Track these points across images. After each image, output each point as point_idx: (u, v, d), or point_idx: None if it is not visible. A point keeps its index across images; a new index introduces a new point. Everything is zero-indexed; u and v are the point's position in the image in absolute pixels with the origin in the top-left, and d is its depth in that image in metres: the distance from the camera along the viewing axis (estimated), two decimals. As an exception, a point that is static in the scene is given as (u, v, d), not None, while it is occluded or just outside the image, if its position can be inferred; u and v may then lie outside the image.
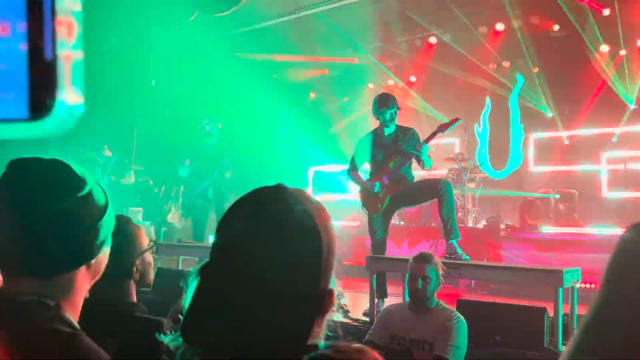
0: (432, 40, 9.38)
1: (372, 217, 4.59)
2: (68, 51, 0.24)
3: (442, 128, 4.52)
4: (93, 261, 0.99)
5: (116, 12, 7.30)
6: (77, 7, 0.23)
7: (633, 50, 8.08)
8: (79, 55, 0.24)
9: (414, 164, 4.63)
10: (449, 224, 4.22)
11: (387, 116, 4.47)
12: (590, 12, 7.79)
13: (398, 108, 4.54)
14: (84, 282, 0.99)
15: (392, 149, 4.51)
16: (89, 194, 0.96)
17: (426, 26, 9.29)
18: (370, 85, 10.65)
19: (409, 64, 9.86)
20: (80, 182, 0.95)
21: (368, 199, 4.58)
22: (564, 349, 0.56)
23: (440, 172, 7.81)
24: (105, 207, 1.00)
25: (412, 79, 10.13)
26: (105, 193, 1.01)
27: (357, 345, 0.71)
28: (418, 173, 4.96)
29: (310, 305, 0.76)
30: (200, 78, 10.90)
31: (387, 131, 4.56)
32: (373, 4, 8.64)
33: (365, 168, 4.82)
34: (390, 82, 10.38)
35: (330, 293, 0.78)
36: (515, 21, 8.39)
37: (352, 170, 4.73)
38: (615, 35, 7.86)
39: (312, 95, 11.29)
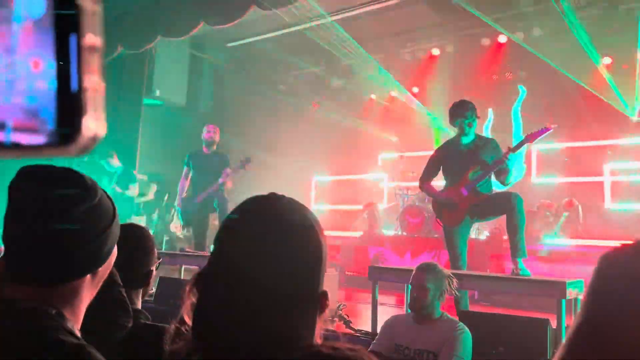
0: (435, 51, 9.44)
1: (450, 231, 4.30)
2: (92, 83, 0.26)
3: (531, 138, 4.11)
4: (99, 269, 1.00)
5: (122, 22, 7.38)
6: (100, 42, 0.26)
7: (634, 62, 8.11)
8: (101, 86, 0.27)
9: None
10: (515, 240, 4.00)
11: (465, 125, 4.21)
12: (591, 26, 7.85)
13: (477, 117, 4.28)
14: (88, 291, 0.99)
15: (471, 158, 4.22)
16: (98, 203, 0.97)
17: (429, 38, 9.37)
18: (373, 96, 10.72)
19: (411, 75, 9.92)
20: (90, 191, 0.95)
21: (445, 211, 4.32)
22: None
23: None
24: (113, 216, 1.00)
25: (415, 89, 10.18)
26: (112, 201, 1.02)
27: (349, 345, 0.75)
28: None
29: (313, 307, 0.80)
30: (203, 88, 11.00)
31: (466, 140, 4.29)
32: (376, 16, 8.71)
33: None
34: (394, 93, 10.45)
35: (325, 294, 0.82)
36: (517, 34, 8.45)
37: (426, 181, 4.47)
38: (617, 48, 7.91)
39: (315, 105, 11.36)
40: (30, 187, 0.92)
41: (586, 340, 0.51)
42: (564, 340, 0.53)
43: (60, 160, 1.00)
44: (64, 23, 0.26)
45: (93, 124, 0.27)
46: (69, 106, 0.26)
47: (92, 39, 0.26)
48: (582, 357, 0.51)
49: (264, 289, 0.76)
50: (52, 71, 0.26)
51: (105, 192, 1.00)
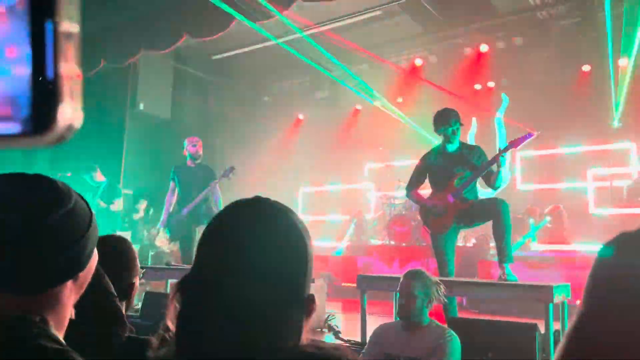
0: (418, 62, 9.54)
1: (437, 237, 4.31)
2: (68, 71, 0.26)
3: (514, 144, 4.17)
4: (80, 274, 0.98)
5: (105, 37, 7.36)
6: (77, 30, 0.26)
7: (615, 69, 8.28)
8: (78, 74, 0.26)
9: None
10: (502, 246, 4.02)
11: (449, 133, 4.25)
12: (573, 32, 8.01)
13: (461, 124, 4.31)
14: (70, 296, 0.98)
15: (457, 166, 4.26)
16: (74, 207, 0.95)
17: (412, 48, 9.47)
18: (358, 107, 10.78)
19: (395, 85, 10.00)
20: (65, 196, 0.94)
21: (432, 218, 4.33)
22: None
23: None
24: (90, 220, 0.99)
25: (399, 99, 10.26)
26: (88, 205, 1.01)
27: (333, 343, 0.74)
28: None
29: (300, 310, 0.79)
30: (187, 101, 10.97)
31: (451, 148, 4.32)
32: (360, 27, 8.80)
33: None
34: (378, 104, 10.52)
35: (312, 298, 0.81)
36: (498, 42, 8.59)
37: (413, 189, 4.50)
38: (598, 55, 8.06)
39: (300, 115, 11.39)
40: (3, 195, 0.91)
41: (586, 331, 0.51)
42: (566, 332, 0.53)
43: (43, 172, 0.98)
44: (40, 9, 0.25)
45: (69, 113, 0.26)
46: (44, 94, 0.26)
47: (69, 25, 0.26)
48: (583, 347, 0.51)
49: (248, 293, 0.74)
50: (28, 58, 0.25)
51: (81, 196, 0.99)
